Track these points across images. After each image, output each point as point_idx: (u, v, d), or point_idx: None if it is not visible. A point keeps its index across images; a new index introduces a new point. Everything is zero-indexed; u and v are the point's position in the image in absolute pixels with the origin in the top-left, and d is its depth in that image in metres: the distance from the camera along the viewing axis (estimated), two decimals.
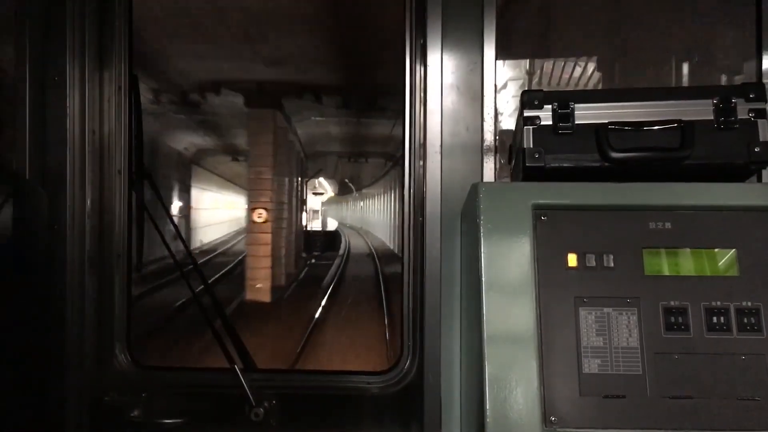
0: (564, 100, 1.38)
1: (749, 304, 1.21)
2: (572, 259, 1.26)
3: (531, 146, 1.37)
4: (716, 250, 1.25)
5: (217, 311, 1.91)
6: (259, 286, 10.72)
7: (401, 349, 1.88)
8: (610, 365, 1.20)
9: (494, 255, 1.26)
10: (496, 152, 1.81)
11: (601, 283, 1.24)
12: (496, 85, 1.81)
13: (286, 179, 13.02)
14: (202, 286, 1.93)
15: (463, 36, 1.80)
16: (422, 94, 1.83)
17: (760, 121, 1.32)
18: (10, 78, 1.74)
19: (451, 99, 1.81)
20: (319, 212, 35.95)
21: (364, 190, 31.11)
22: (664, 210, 1.27)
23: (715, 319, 1.21)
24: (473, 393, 1.31)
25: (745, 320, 1.20)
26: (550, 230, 1.27)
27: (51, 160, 1.78)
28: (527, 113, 1.39)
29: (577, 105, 1.38)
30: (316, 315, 9.16)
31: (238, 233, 18.96)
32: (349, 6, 7.12)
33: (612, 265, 1.25)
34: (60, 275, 1.78)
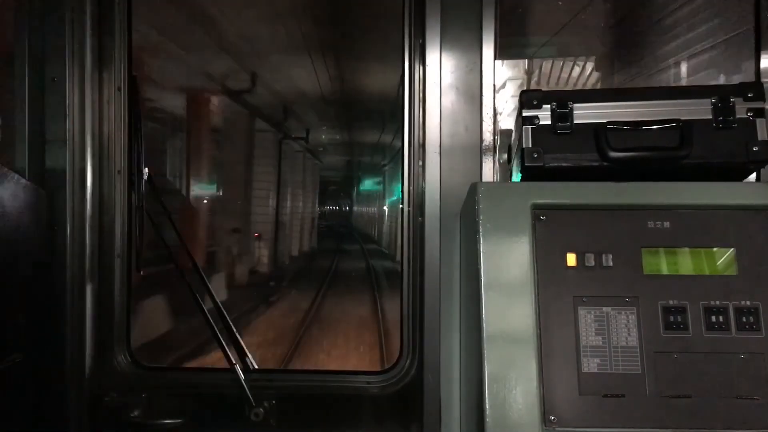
0: (563, 100, 1.38)
1: (748, 303, 1.21)
2: (571, 259, 1.26)
3: (530, 146, 1.37)
4: (715, 249, 1.25)
5: (217, 311, 1.91)
6: None
7: (401, 349, 1.88)
8: (609, 364, 1.20)
9: (493, 255, 1.26)
10: (495, 152, 1.81)
11: (600, 282, 1.24)
12: (495, 85, 1.81)
13: None
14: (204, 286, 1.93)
15: (462, 36, 1.80)
16: (421, 94, 1.83)
17: (758, 121, 1.32)
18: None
19: (450, 99, 1.81)
20: None
21: None
22: (663, 209, 1.27)
23: (713, 318, 1.21)
24: (473, 392, 1.31)
25: (744, 319, 1.20)
26: (549, 230, 1.28)
27: (51, 160, 1.78)
28: (526, 113, 1.39)
29: (575, 105, 1.38)
30: None
31: None
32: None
33: (611, 264, 1.25)
34: (60, 275, 1.78)
